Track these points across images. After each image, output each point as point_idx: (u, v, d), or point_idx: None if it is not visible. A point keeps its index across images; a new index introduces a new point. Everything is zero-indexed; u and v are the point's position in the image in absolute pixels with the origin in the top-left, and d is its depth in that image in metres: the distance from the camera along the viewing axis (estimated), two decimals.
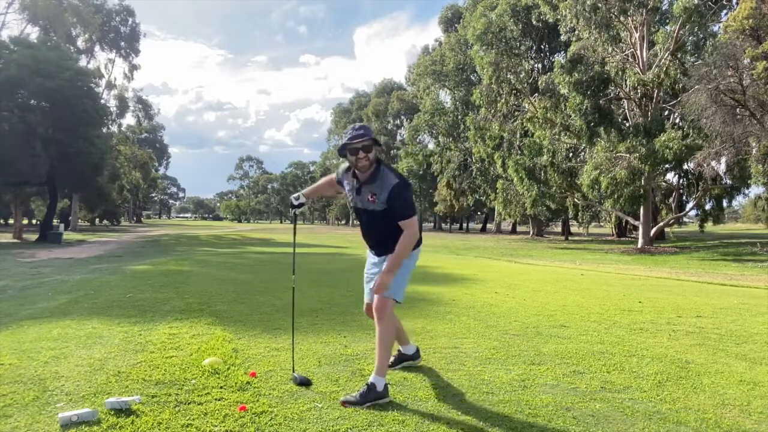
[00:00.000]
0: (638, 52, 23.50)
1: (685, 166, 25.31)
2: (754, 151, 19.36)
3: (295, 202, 3.56)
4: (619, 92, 24.80)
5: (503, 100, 31.13)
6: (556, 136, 26.31)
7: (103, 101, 31.57)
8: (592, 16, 22.82)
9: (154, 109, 59.89)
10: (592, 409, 3.02)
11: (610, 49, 23.88)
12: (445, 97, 49.56)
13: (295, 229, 3.84)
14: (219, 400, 3.02)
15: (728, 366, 4.01)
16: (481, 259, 18.37)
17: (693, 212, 30.87)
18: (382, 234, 3.32)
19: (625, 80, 23.50)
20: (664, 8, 24.68)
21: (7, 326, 5.11)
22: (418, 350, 3.88)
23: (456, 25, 47.43)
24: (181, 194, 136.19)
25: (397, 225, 3.18)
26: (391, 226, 3.20)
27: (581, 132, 23.78)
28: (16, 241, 24.97)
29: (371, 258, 3.52)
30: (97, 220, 57.34)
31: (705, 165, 21.65)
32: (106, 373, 3.46)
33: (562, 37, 28.00)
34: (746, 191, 26.36)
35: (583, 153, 27.77)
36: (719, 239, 30.86)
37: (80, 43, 38.22)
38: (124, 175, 48.51)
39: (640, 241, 24.32)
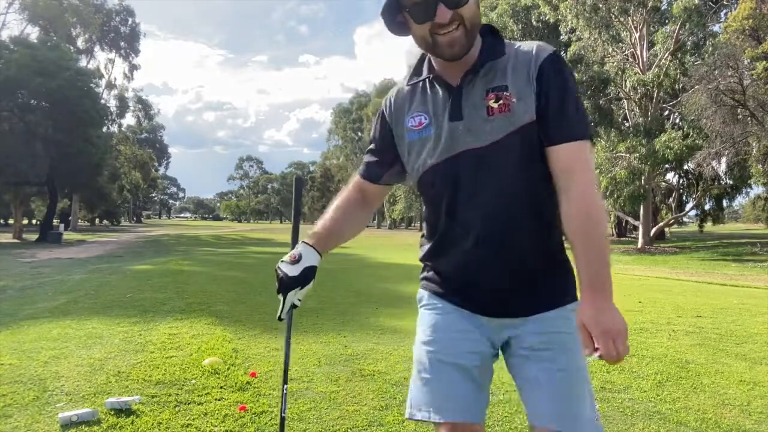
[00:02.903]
0: (638, 52, 23.52)
1: (685, 166, 25.33)
2: (754, 151, 19.37)
3: (293, 272, 1.41)
4: (619, 92, 24.81)
5: None
6: None
7: (103, 101, 31.57)
8: (593, 16, 22.83)
9: (154, 109, 60.05)
10: None
11: (610, 49, 23.90)
12: None
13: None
14: (219, 400, 3.02)
15: (728, 366, 4.01)
16: None
17: (693, 212, 30.91)
18: (510, 204, 1.29)
19: (625, 80, 23.52)
20: (663, 8, 24.70)
21: (7, 326, 5.11)
22: None
23: None
24: (181, 194, 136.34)
25: (545, 173, 1.27)
26: (534, 177, 1.28)
27: None
28: (16, 241, 24.97)
29: (444, 311, 1.40)
30: (97, 220, 57.36)
31: (705, 165, 21.65)
32: (106, 373, 3.46)
33: (562, 37, 28.02)
34: (746, 191, 26.38)
35: None
36: (719, 239, 30.88)
37: (80, 43, 38.23)
38: (124, 175, 48.51)
39: (640, 241, 24.32)
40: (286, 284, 1.40)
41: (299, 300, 1.42)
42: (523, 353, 1.32)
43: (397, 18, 1.29)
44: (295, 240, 1.58)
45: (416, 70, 1.39)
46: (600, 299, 1.17)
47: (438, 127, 1.32)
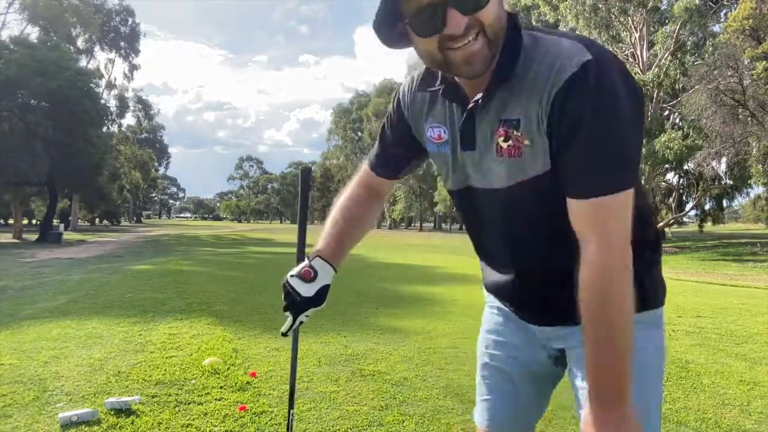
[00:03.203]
0: (638, 52, 23.53)
1: (685, 166, 25.34)
2: (754, 151, 19.38)
3: (308, 292, 1.24)
4: None
5: None
6: None
7: (103, 101, 31.60)
8: (592, 16, 22.86)
9: (154, 109, 60.19)
10: None
11: (610, 49, 23.93)
12: None
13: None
14: (219, 400, 3.02)
15: (728, 366, 4.01)
16: None
17: (693, 212, 30.92)
18: (532, 239, 1.11)
19: None
20: (663, 8, 24.73)
21: (7, 326, 5.11)
22: None
23: None
24: (181, 194, 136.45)
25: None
26: (557, 217, 1.00)
27: None
28: (16, 241, 24.97)
29: (500, 313, 1.34)
30: (97, 220, 57.37)
31: (705, 165, 21.67)
32: (106, 373, 3.46)
33: None
34: (746, 191, 26.41)
35: None
36: (719, 239, 30.88)
37: (80, 43, 38.28)
38: (124, 175, 48.56)
39: None
40: (299, 306, 1.24)
41: (306, 316, 1.26)
42: (571, 367, 1.19)
43: (396, 28, 0.99)
44: (302, 241, 1.39)
45: (430, 72, 1.11)
46: (603, 408, 0.94)
47: (453, 149, 1.12)
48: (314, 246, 1.31)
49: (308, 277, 1.23)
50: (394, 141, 1.27)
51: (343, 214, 1.33)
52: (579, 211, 0.95)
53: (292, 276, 1.25)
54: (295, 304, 1.24)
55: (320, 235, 1.32)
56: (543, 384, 1.30)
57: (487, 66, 0.95)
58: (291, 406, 1.45)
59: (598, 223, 0.94)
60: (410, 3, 0.92)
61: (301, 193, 1.45)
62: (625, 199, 0.93)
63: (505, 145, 0.99)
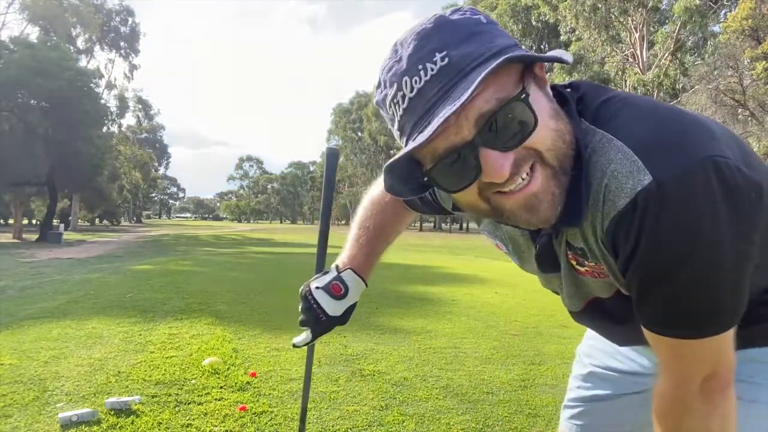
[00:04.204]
0: (638, 52, 23.56)
1: None
2: None
3: (336, 311, 1.13)
4: None
5: None
6: None
7: (103, 101, 31.59)
8: (592, 16, 22.89)
9: (154, 109, 60.20)
10: None
11: (609, 49, 23.95)
12: None
13: None
14: (219, 400, 3.02)
15: None
16: (481, 259, 18.38)
17: None
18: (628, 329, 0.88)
19: (625, 80, 23.56)
20: (663, 8, 24.76)
21: (7, 326, 5.10)
22: None
23: None
24: (181, 194, 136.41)
25: None
26: None
27: None
28: (16, 241, 24.96)
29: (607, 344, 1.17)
30: (97, 220, 57.36)
31: None
32: (106, 373, 3.46)
33: (562, 37, 28.07)
34: None
35: None
36: None
37: (80, 43, 38.32)
38: (124, 175, 48.55)
39: None
40: (325, 326, 1.09)
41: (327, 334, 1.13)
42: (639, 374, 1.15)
43: (412, 180, 0.76)
44: (324, 241, 1.19)
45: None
46: None
47: (523, 262, 0.96)
48: (340, 251, 1.14)
49: (338, 293, 1.07)
50: (423, 202, 1.06)
51: (375, 220, 1.14)
52: (646, 333, 0.76)
53: (317, 288, 1.08)
54: (321, 324, 1.08)
55: (347, 240, 1.16)
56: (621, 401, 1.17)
57: (559, 205, 0.71)
58: (302, 429, 1.31)
59: (664, 357, 0.77)
60: (423, 152, 0.70)
61: (325, 182, 1.18)
62: (703, 344, 0.71)
63: (582, 269, 0.83)
